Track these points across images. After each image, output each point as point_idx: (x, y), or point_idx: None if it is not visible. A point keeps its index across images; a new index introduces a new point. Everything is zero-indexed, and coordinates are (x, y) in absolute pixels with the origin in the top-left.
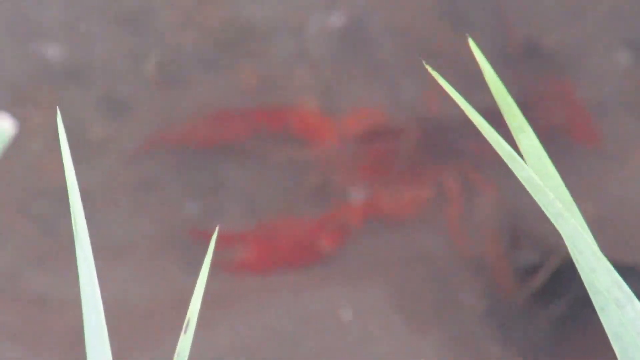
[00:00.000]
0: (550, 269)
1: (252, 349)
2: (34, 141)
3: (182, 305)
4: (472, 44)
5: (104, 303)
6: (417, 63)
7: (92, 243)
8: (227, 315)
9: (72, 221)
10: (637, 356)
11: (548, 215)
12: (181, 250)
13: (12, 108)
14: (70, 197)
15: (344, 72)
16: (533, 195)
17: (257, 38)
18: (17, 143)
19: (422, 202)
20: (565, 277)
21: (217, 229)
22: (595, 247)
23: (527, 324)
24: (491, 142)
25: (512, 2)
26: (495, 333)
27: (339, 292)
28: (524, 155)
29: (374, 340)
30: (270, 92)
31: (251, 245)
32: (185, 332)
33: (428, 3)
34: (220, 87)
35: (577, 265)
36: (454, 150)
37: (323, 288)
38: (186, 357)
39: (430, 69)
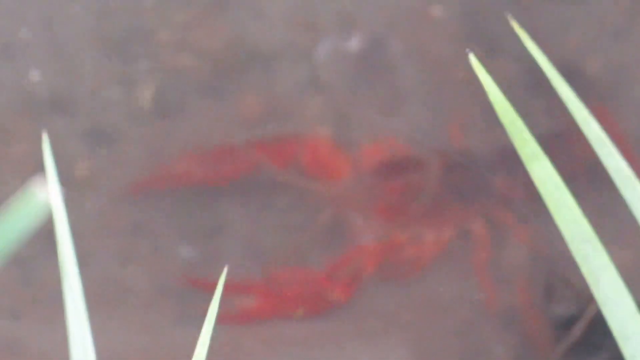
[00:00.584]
0: (588, 321)
1: None
2: (15, 176)
3: (176, 358)
4: (476, 65)
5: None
6: (440, 92)
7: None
8: None
9: (61, 267)
10: None
11: (574, 252)
12: (176, 300)
13: None
14: (58, 240)
15: (359, 101)
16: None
17: (262, 62)
18: None
19: (444, 245)
20: (605, 329)
21: (224, 275)
22: (624, 291)
23: None
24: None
25: (547, 24)
26: None
27: (351, 347)
28: (537, 185)
29: None
30: (277, 122)
31: (254, 295)
32: None
33: (453, 26)
34: (221, 117)
35: (601, 307)
36: (480, 188)
37: (334, 343)
38: None
39: (474, 60)
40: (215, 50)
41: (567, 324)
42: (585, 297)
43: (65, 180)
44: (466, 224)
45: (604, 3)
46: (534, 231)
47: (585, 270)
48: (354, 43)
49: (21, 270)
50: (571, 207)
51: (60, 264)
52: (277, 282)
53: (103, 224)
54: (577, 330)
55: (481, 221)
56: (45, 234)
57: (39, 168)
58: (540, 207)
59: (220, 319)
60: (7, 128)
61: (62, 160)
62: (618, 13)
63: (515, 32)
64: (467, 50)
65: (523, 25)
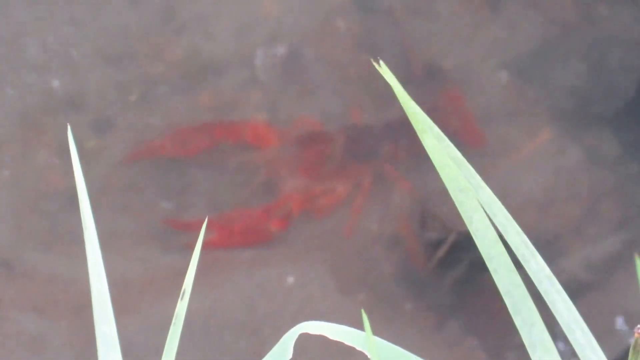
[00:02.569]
0: (449, 243)
1: (218, 312)
2: (41, 154)
3: (163, 279)
4: (383, 66)
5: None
6: (342, 85)
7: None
8: (200, 285)
9: (81, 215)
10: (523, 308)
11: (453, 197)
12: (158, 239)
13: (24, 129)
14: (79, 194)
15: (285, 93)
16: (445, 180)
17: (215, 68)
18: (27, 156)
19: (347, 194)
20: (461, 249)
21: (206, 219)
22: (489, 224)
23: (434, 285)
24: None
25: (414, 33)
26: (409, 293)
27: (285, 264)
28: (428, 152)
29: (314, 301)
30: (227, 110)
31: (214, 230)
32: (182, 299)
33: (349, 38)
34: (186, 108)
35: (474, 236)
36: (373, 153)
37: (272, 262)
38: (182, 319)
39: (378, 66)
40: (180, 60)
41: (436, 245)
42: (447, 227)
43: (80, 153)
44: (362, 179)
45: (453, 19)
46: (411, 181)
47: (461, 211)
48: (280, 51)
49: (48, 220)
50: (451, 166)
51: (81, 214)
52: (229, 219)
53: (106, 183)
54: (442, 250)
55: (370, 175)
56: (70, 191)
57: (62, 147)
58: (415, 165)
59: (190, 248)
60: (37, 121)
61: (76, 138)
62: (464, 26)
63: (394, 41)
64: (377, 58)
65: (399, 38)
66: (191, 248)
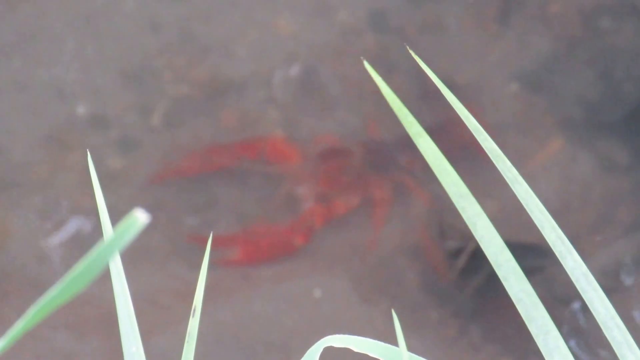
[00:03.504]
0: (469, 252)
1: (249, 326)
2: (67, 176)
3: (191, 295)
4: (369, 69)
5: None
6: (359, 101)
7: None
8: (227, 301)
9: (104, 234)
10: (536, 316)
11: (455, 202)
12: (185, 254)
13: (53, 151)
14: (100, 216)
15: (303, 110)
16: (444, 185)
17: (235, 88)
18: (53, 176)
19: (367, 205)
20: (481, 256)
21: (211, 234)
22: (494, 231)
23: (456, 293)
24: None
25: (426, 50)
26: (432, 302)
27: (311, 278)
28: (423, 154)
29: (340, 312)
30: (248, 128)
31: (239, 246)
32: (192, 316)
33: (364, 54)
34: (209, 127)
35: (480, 243)
36: (390, 164)
37: (297, 276)
38: (195, 337)
39: (370, 68)
40: (202, 82)
41: (456, 254)
42: (467, 236)
43: (104, 175)
44: (382, 191)
45: (464, 35)
46: (428, 192)
47: (464, 217)
48: (296, 70)
49: (77, 241)
50: (450, 171)
51: (103, 233)
52: (254, 235)
53: (132, 202)
54: (463, 259)
55: (389, 187)
56: (94, 210)
57: (86, 168)
58: (432, 175)
59: (219, 264)
60: (65, 143)
61: (101, 161)
62: (474, 41)
63: (409, 57)
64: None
65: (409, 54)
66: (218, 264)
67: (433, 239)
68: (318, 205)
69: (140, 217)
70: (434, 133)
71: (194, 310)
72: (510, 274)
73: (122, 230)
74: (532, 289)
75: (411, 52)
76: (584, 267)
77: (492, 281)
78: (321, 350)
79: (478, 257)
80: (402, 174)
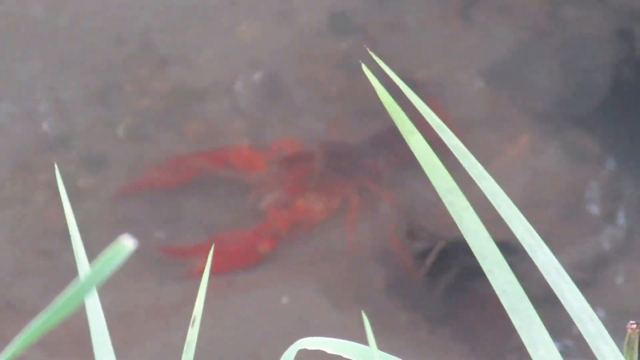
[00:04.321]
0: (437, 251)
1: (218, 337)
2: (37, 194)
3: (162, 309)
4: (368, 74)
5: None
6: (320, 105)
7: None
8: (204, 307)
9: (74, 251)
10: (520, 308)
11: (443, 197)
12: (154, 270)
13: (19, 171)
14: (71, 233)
15: (268, 116)
16: (433, 181)
17: (197, 98)
18: (23, 196)
19: (332, 209)
20: (450, 256)
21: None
22: (480, 224)
23: (426, 294)
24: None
25: (392, 49)
26: (403, 304)
27: (278, 285)
28: (415, 153)
29: (309, 319)
30: (212, 138)
31: (207, 255)
32: (192, 326)
33: (325, 59)
34: (174, 139)
35: (465, 236)
36: (354, 168)
37: (266, 283)
38: (193, 346)
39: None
40: (165, 93)
41: (424, 255)
42: (433, 237)
43: (72, 192)
44: (345, 194)
45: (426, 31)
46: (395, 194)
47: (451, 211)
48: (259, 77)
49: (49, 259)
50: (439, 167)
51: (74, 250)
52: (220, 242)
53: (100, 218)
54: (431, 258)
55: (356, 191)
56: (64, 231)
57: (57, 186)
58: (398, 178)
59: (188, 276)
60: (30, 160)
61: (69, 177)
62: (437, 37)
63: (370, 58)
64: (360, 61)
65: (374, 51)
66: (187, 277)
67: (401, 241)
68: (283, 210)
69: (127, 244)
70: (397, 132)
71: (194, 320)
72: (494, 266)
73: (108, 257)
74: (516, 281)
75: (370, 52)
76: (554, 260)
77: (461, 281)
78: (295, 353)
79: (446, 257)
80: (366, 177)
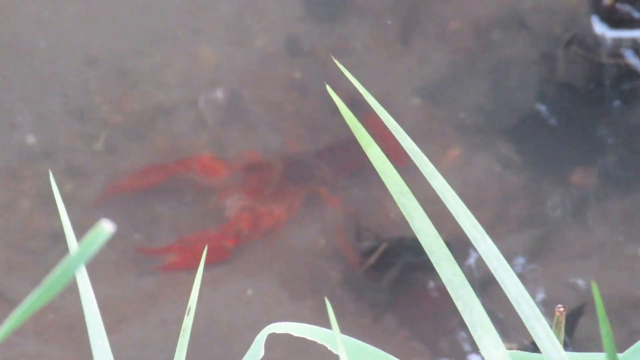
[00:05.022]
0: (381, 250)
1: (192, 324)
2: (24, 201)
3: (140, 300)
4: (332, 94)
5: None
6: (277, 120)
7: None
8: (172, 304)
9: (69, 249)
10: (463, 294)
11: (396, 200)
12: (133, 265)
13: (7, 180)
14: (66, 233)
15: (229, 130)
16: (388, 185)
17: (165, 113)
18: (11, 203)
19: (288, 212)
20: (393, 254)
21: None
22: (429, 223)
23: (371, 286)
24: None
25: (336, 70)
26: (350, 295)
27: (243, 279)
28: (373, 162)
29: (270, 309)
30: (179, 149)
31: (177, 253)
32: (187, 315)
33: (280, 80)
34: (145, 151)
35: (416, 233)
36: (307, 176)
37: (232, 279)
38: (188, 332)
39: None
40: (135, 110)
41: (369, 252)
42: (378, 237)
43: (55, 200)
44: (297, 200)
45: (369, 54)
46: (344, 199)
47: (403, 212)
48: (220, 96)
49: (36, 257)
50: (393, 173)
51: (69, 247)
52: (188, 242)
53: (82, 223)
54: (374, 257)
55: (303, 197)
56: (51, 231)
57: (41, 193)
58: (345, 185)
59: (162, 270)
60: (15, 171)
61: (51, 187)
62: (379, 60)
63: (322, 77)
64: (326, 82)
65: (323, 75)
66: (161, 271)
67: (348, 240)
68: (244, 212)
69: (106, 227)
70: (350, 143)
71: (189, 309)
72: (442, 259)
73: (91, 238)
74: (460, 271)
75: (322, 75)
76: (495, 250)
77: (403, 276)
78: (265, 337)
79: (390, 254)
80: (317, 184)
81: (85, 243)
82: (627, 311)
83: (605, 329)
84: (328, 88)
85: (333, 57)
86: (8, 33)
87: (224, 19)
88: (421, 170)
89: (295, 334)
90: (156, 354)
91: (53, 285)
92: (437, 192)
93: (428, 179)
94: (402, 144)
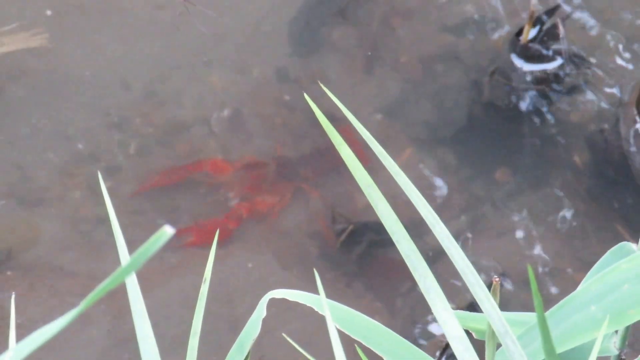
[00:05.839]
0: (348, 231)
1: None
2: (75, 193)
3: (163, 271)
4: (314, 108)
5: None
6: (270, 131)
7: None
8: (187, 275)
9: (114, 234)
10: (419, 267)
11: (364, 191)
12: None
13: (64, 177)
14: (110, 218)
15: (233, 139)
16: (357, 179)
17: (185, 126)
18: (66, 195)
19: (280, 202)
20: (360, 234)
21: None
22: (390, 210)
23: (345, 259)
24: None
25: (317, 93)
26: (328, 266)
27: (245, 255)
28: (344, 159)
29: (265, 277)
30: (195, 154)
31: (193, 233)
32: (204, 283)
33: (272, 100)
34: (169, 155)
35: (381, 218)
36: (293, 175)
37: (236, 254)
38: (205, 296)
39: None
40: (161, 123)
41: (341, 232)
42: (348, 219)
43: (99, 191)
44: (287, 193)
45: (341, 81)
46: (321, 192)
47: (370, 200)
48: (226, 113)
49: (85, 237)
50: (360, 169)
51: (113, 230)
52: (202, 225)
53: (119, 210)
54: (343, 235)
55: (292, 190)
56: (97, 217)
57: (89, 187)
58: (323, 182)
59: (182, 247)
60: (69, 170)
61: (97, 182)
62: (348, 85)
63: (305, 99)
64: (305, 93)
65: (304, 93)
66: (181, 248)
67: (326, 223)
68: (244, 202)
69: (168, 231)
70: (327, 150)
71: (205, 279)
72: (402, 238)
73: (155, 238)
74: (416, 248)
75: (306, 96)
76: (446, 231)
77: (368, 250)
78: (267, 300)
79: (357, 234)
80: (302, 181)
81: (152, 241)
82: (537, 279)
83: (534, 289)
84: (310, 102)
85: (319, 82)
86: (62, 67)
87: (229, 54)
88: (387, 169)
89: (289, 299)
90: (177, 311)
91: (126, 270)
92: (400, 185)
93: (394, 176)
94: (372, 148)
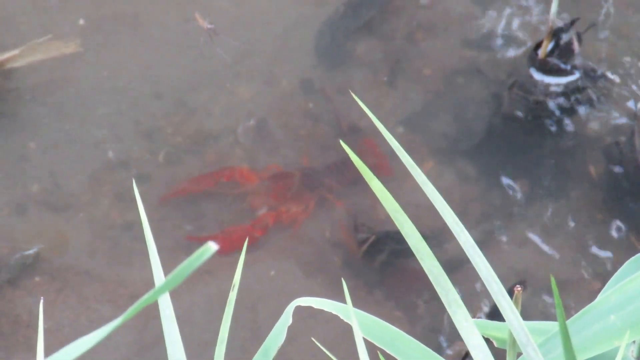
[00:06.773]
0: (371, 240)
1: (227, 297)
2: (105, 199)
3: (192, 276)
4: (346, 149)
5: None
6: (295, 142)
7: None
8: (213, 280)
9: (145, 234)
10: (441, 281)
11: (392, 215)
12: (183, 250)
13: (94, 183)
14: (142, 221)
15: (259, 148)
16: (386, 207)
17: (213, 136)
18: (95, 201)
19: (304, 211)
20: (382, 243)
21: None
22: (407, 218)
23: (366, 267)
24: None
25: (341, 104)
26: (350, 274)
27: (268, 262)
28: (376, 193)
29: (289, 285)
30: (222, 162)
31: (219, 241)
32: (232, 290)
33: (297, 112)
34: (197, 163)
35: (406, 237)
36: (317, 185)
37: (259, 262)
38: (233, 303)
39: (344, 145)
40: (190, 133)
41: (363, 242)
42: (369, 231)
43: (131, 197)
44: (311, 202)
45: (365, 93)
46: (344, 203)
47: (396, 222)
48: (253, 123)
49: (113, 242)
50: (390, 198)
51: (145, 234)
52: (227, 233)
53: (149, 216)
54: (365, 245)
55: (315, 200)
56: (125, 223)
57: (118, 195)
58: (347, 192)
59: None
60: (99, 178)
61: (129, 189)
62: (372, 97)
63: (329, 110)
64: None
65: (331, 110)
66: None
67: (349, 233)
68: (270, 211)
69: (212, 247)
70: (350, 161)
71: (234, 286)
72: (425, 256)
73: (201, 252)
74: (439, 264)
75: (342, 143)
76: (471, 240)
77: (390, 260)
78: (293, 308)
79: (379, 244)
80: (326, 191)
81: (196, 255)
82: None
83: (557, 300)
84: (345, 147)
85: (351, 92)
86: (94, 76)
87: (256, 67)
88: (416, 179)
89: (315, 307)
90: (201, 314)
91: (172, 280)
92: (428, 195)
93: (421, 185)
94: (401, 159)
